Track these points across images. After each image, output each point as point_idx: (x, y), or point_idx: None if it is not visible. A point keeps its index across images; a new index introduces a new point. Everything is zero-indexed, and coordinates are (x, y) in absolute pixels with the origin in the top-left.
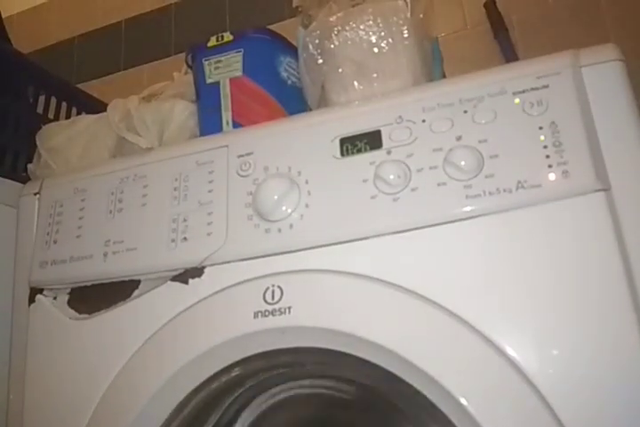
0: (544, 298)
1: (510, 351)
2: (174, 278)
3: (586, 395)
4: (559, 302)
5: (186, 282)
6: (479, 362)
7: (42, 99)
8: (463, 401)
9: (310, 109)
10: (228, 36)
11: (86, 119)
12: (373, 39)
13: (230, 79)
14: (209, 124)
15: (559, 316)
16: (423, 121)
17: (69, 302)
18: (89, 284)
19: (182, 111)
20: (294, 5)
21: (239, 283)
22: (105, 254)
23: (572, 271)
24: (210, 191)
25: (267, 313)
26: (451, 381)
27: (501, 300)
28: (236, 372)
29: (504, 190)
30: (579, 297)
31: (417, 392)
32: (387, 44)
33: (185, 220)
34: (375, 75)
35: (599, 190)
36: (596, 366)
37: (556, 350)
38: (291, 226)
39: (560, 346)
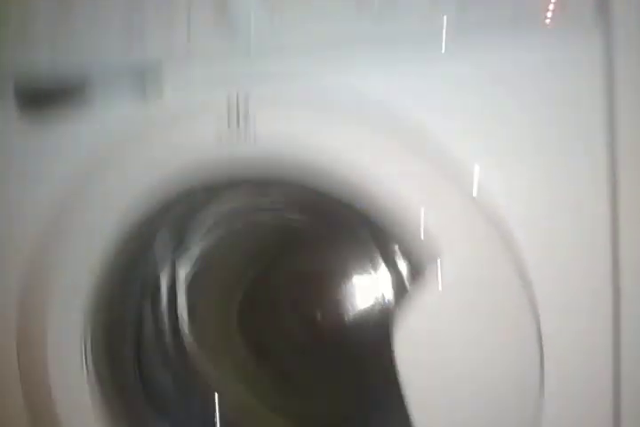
0: (523, 135)
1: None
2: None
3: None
4: (540, 143)
5: (143, 90)
6: (441, 193)
7: None
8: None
9: None
10: None
11: None
12: None
13: None
14: None
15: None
16: None
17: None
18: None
19: None
20: None
21: (201, 101)
22: (53, 48)
23: (557, 102)
24: None
25: (230, 137)
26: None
27: (477, 123)
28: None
29: (498, 21)
30: (558, 136)
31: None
32: None
33: (141, 14)
34: None
35: (597, 25)
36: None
37: (521, 183)
38: (261, 33)
39: (526, 180)
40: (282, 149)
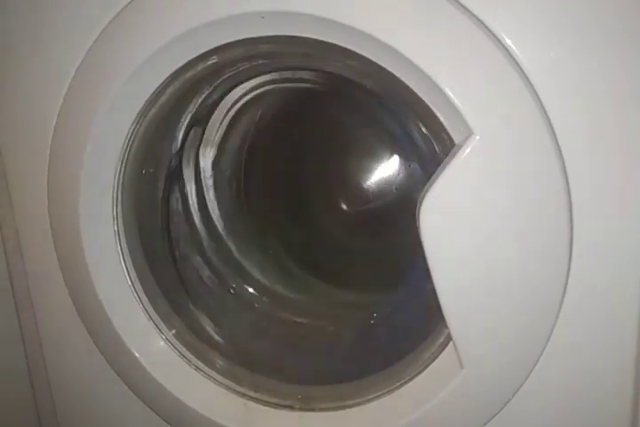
0: None
1: (508, 42)
2: None
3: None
4: None
5: None
6: (472, 53)
7: None
8: (449, 92)
9: None
10: None
11: None
12: None
13: None
14: None
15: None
16: None
17: None
18: None
19: None
20: None
21: None
22: None
23: None
24: None
25: None
26: (440, 74)
27: None
28: (212, 60)
29: None
30: None
31: (403, 85)
32: None
33: None
34: None
35: None
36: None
37: (553, 52)
38: None
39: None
40: None
